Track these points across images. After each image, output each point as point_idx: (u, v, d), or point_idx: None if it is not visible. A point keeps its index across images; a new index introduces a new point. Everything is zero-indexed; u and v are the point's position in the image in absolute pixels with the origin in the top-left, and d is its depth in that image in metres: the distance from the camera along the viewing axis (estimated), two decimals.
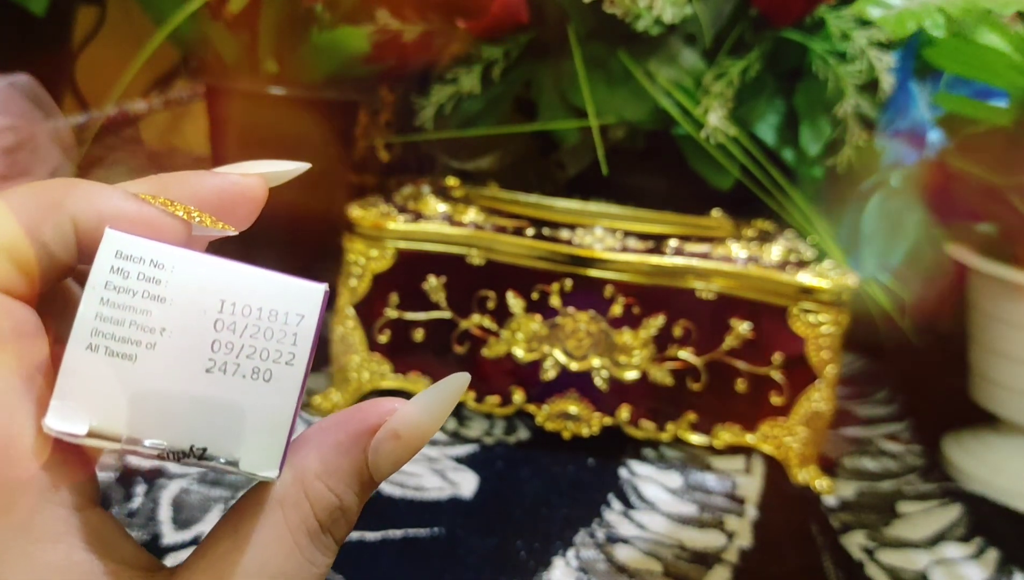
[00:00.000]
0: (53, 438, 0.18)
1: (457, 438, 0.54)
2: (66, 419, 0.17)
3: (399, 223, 0.52)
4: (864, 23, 0.58)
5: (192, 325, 0.18)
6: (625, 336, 0.52)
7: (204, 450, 0.18)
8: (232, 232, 0.20)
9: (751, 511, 0.49)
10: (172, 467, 0.46)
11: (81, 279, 0.19)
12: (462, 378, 0.21)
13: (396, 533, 0.43)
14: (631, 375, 0.53)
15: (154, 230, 0.19)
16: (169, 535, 0.41)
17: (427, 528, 0.44)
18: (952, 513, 0.51)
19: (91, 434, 0.18)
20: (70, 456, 0.18)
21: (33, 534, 0.17)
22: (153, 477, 0.45)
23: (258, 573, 0.19)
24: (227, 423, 0.18)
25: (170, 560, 0.39)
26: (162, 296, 0.18)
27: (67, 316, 0.18)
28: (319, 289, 0.19)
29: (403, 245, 0.53)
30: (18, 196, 0.18)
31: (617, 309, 0.52)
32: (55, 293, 0.20)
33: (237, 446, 0.18)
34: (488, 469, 0.51)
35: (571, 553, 0.43)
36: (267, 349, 0.19)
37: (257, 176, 0.21)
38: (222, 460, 0.18)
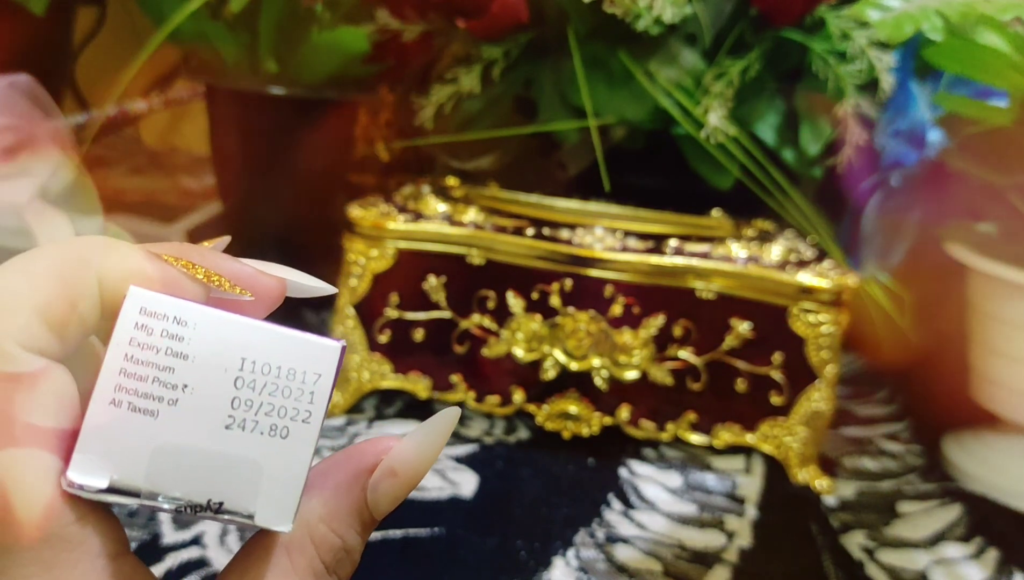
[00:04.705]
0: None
1: (457, 438, 0.54)
2: (87, 473, 0.18)
3: (399, 223, 0.52)
4: (864, 23, 0.58)
5: (213, 382, 0.19)
6: (625, 336, 0.52)
7: (220, 504, 0.19)
8: (248, 298, 0.20)
9: (751, 511, 0.49)
10: None
11: (101, 335, 0.20)
12: (453, 413, 0.21)
13: (396, 533, 0.43)
14: (631, 375, 0.53)
15: (175, 291, 0.19)
16: (169, 535, 0.41)
17: (427, 528, 0.44)
18: (952, 513, 0.51)
19: (110, 488, 0.18)
20: (101, 504, 0.19)
21: None
22: None
23: None
24: (244, 478, 0.19)
25: (170, 559, 0.40)
26: (185, 353, 0.18)
27: (88, 371, 0.19)
28: (335, 348, 0.20)
29: (403, 245, 0.53)
30: (47, 255, 0.18)
31: (617, 309, 0.52)
32: (78, 350, 0.20)
33: (253, 501, 0.19)
34: (488, 469, 0.51)
35: (571, 553, 0.43)
36: (285, 407, 0.19)
37: (277, 280, 0.21)
38: (238, 514, 0.19)
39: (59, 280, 0.18)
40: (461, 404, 0.55)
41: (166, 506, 0.18)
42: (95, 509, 0.18)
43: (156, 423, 0.18)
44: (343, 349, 0.20)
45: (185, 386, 0.18)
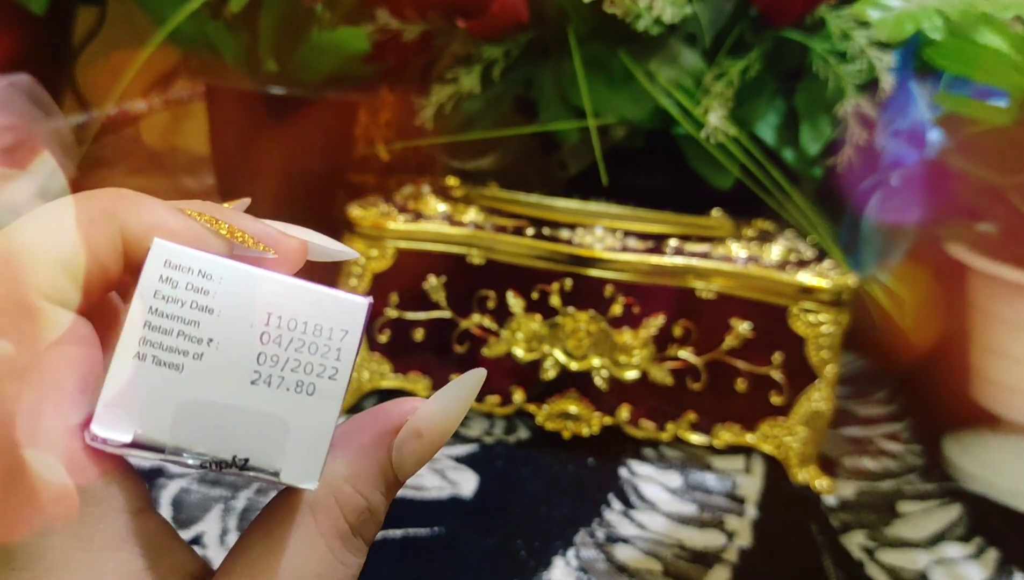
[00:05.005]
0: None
1: (457, 438, 0.54)
2: (111, 427, 0.17)
3: (399, 223, 0.52)
4: (864, 23, 0.58)
5: (239, 337, 0.18)
6: (625, 336, 0.52)
7: (246, 460, 0.18)
8: (272, 255, 0.20)
9: (751, 511, 0.49)
10: (172, 467, 0.46)
11: (123, 292, 0.19)
12: (478, 374, 0.21)
13: (396, 533, 0.43)
14: (631, 375, 0.53)
15: (198, 245, 0.19)
16: None
17: (427, 528, 0.44)
18: (952, 513, 0.51)
19: (135, 443, 0.18)
20: (124, 460, 0.19)
21: (95, 544, 0.18)
22: (153, 477, 0.45)
23: (293, 577, 0.19)
24: (269, 435, 0.19)
25: None
26: (210, 307, 0.18)
27: (109, 326, 0.18)
28: (362, 304, 0.19)
29: (403, 245, 0.53)
30: (70, 207, 0.18)
31: (617, 309, 0.52)
32: (99, 303, 0.20)
33: (279, 457, 0.19)
34: (488, 469, 0.51)
35: (571, 553, 0.43)
36: (311, 363, 0.19)
37: (299, 242, 0.21)
38: (263, 471, 0.19)
39: (82, 232, 0.18)
40: None
41: (190, 461, 0.18)
42: (119, 465, 0.18)
43: (181, 377, 0.18)
44: (370, 305, 0.19)
45: (210, 340, 0.18)
